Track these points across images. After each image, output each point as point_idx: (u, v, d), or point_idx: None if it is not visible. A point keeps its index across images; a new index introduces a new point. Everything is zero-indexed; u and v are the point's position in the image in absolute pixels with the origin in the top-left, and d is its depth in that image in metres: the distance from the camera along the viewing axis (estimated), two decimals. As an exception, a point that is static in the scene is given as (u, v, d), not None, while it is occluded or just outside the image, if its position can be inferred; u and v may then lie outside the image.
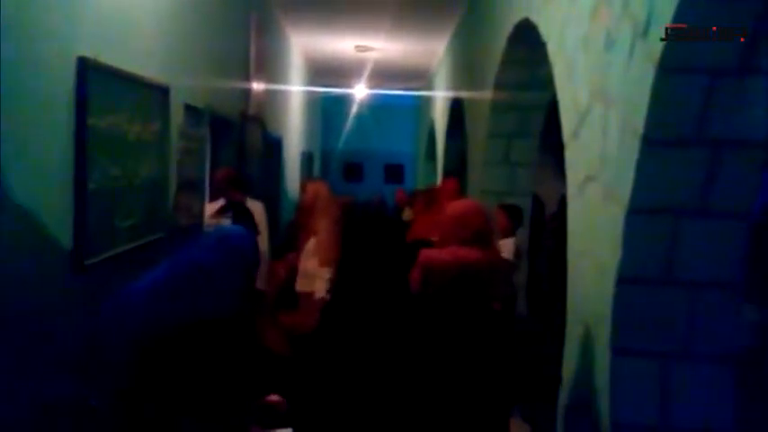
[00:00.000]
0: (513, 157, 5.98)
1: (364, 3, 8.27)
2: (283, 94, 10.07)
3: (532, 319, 5.75)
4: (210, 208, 5.29)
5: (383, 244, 2.63)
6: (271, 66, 8.45)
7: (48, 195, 2.73)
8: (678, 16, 2.26)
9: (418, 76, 13.70)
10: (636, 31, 2.56)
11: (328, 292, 3.84)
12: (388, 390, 2.38)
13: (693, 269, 2.62)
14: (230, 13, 6.24)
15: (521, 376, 2.76)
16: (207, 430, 2.29)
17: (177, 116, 4.36)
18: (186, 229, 4.47)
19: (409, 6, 8.22)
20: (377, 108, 17.61)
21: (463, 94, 7.99)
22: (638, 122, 2.50)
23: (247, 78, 7.07)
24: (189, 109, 4.64)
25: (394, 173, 19.97)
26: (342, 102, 17.34)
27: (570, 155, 3.41)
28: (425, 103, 14.43)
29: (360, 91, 15.56)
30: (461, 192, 5.89)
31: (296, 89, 11.57)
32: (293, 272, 4.53)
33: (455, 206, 3.15)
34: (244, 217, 4.99)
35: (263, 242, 5.68)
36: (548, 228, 7.18)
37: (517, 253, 5.53)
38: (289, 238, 6.05)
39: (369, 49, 11.07)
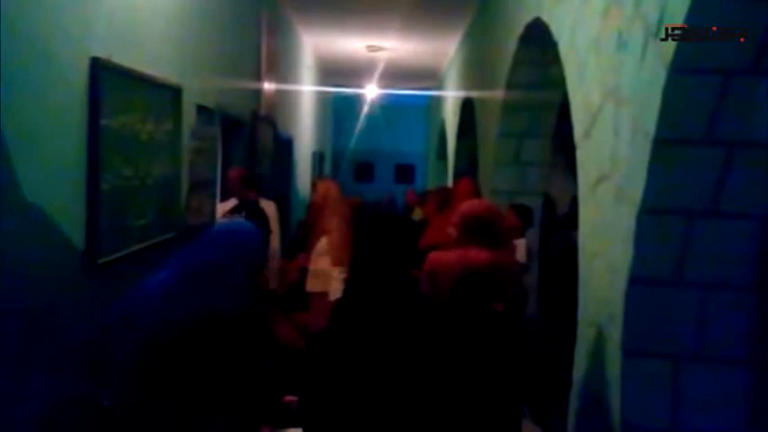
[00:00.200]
0: (523, 156, 5.96)
1: (376, 2, 8.27)
2: (294, 93, 10.08)
3: (544, 320, 5.73)
4: (223, 208, 5.31)
5: (393, 244, 2.63)
6: (282, 66, 8.47)
7: (61, 195, 2.74)
8: (690, 17, 2.25)
9: (429, 75, 13.69)
10: (648, 32, 2.55)
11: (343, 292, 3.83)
12: (398, 389, 2.38)
13: (705, 270, 2.60)
14: (241, 14, 6.26)
15: (530, 377, 2.75)
16: (220, 427, 2.30)
17: (189, 116, 4.38)
18: (198, 229, 4.49)
19: (420, 6, 8.22)
20: (388, 108, 17.59)
21: (474, 94, 7.98)
22: (650, 123, 2.49)
23: (258, 78, 7.09)
24: (200, 109, 4.66)
25: (405, 173, 19.97)
26: (353, 101, 17.32)
27: (582, 155, 3.41)
28: (436, 103, 14.41)
29: (371, 91, 15.55)
30: (477, 192, 5.56)
31: (307, 89, 11.58)
32: (303, 272, 4.54)
33: (466, 206, 3.15)
34: (257, 216, 5.02)
35: (275, 241, 5.71)
36: (560, 228, 7.15)
37: (528, 253, 5.52)
38: (299, 237, 6.07)
39: (380, 49, 11.07)
